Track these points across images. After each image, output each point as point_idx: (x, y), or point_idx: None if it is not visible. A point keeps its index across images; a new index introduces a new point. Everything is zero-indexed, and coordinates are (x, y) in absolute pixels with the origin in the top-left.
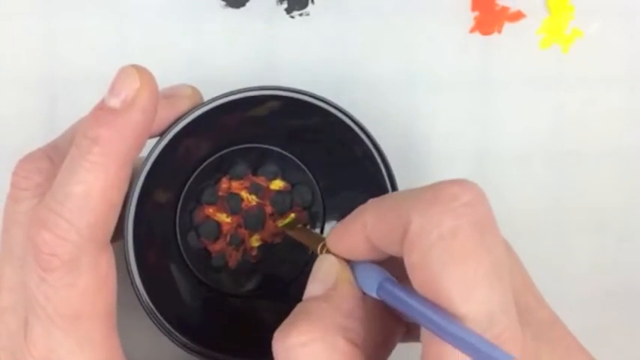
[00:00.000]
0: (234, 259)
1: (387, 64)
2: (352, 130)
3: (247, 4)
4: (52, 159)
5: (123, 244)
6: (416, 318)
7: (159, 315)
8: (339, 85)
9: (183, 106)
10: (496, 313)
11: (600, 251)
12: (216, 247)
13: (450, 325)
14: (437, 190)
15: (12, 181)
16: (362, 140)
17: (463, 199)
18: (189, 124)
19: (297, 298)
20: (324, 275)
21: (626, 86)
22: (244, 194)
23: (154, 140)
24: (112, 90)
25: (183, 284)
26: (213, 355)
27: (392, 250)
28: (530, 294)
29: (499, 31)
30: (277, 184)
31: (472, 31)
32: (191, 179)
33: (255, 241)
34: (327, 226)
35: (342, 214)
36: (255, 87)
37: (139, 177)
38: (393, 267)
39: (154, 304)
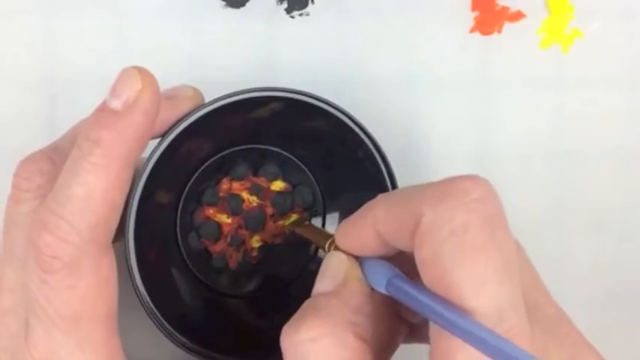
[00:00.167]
0: (234, 259)
1: (387, 64)
2: (352, 130)
3: (247, 4)
4: (54, 160)
5: (124, 245)
6: (425, 313)
7: (159, 315)
8: (339, 85)
9: (185, 107)
10: (506, 308)
11: (600, 251)
12: (216, 247)
13: (460, 319)
14: (449, 185)
15: (13, 182)
16: (362, 140)
17: (474, 195)
18: (190, 125)
19: (298, 298)
20: (334, 272)
21: (626, 86)
22: (245, 195)
23: (156, 141)
24: (114, 91)
25: (184, 285)
26: (213, 356)
27: (402, 244)
28: (538, 291)
29: (499, 31)
30: (278, 185)
31: (472, 31)
32: (192, 180)
33: (255, 242)
34: (328, 227)
35: (342, 214)
36: (256, 88)
37: (140, 178)
38: (401, 263)
39: (154, 304)
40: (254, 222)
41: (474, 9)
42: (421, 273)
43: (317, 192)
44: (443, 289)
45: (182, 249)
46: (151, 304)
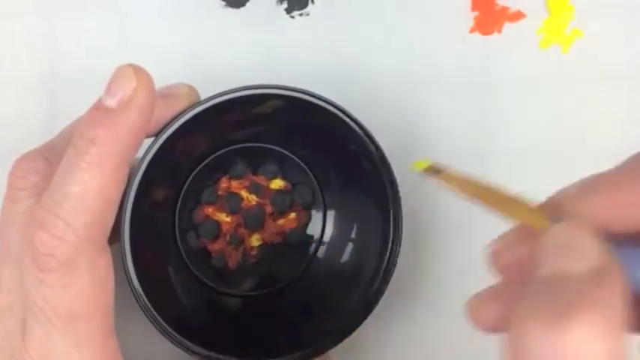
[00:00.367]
0: (233, 258)
1: (387, 63)
2: (352, 129)
3: (247, 4)
4: (49, 159)
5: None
6: None
7: (157, 315)
8: (339, 85)
9: (180, 105)
10: None
11: None
12: (215, 246)
13: None
14: None
15: (9, 181)
16: (362, 140)
17: None
18: (186, 123)
19: (297, 298)
20: (589, 250)
21: (626, 86)
22: (244, 194)
23: (151, 140)
24: (109, 90)
25: (182, 284)
26: (211, 355)
27: None
28: None
29: (499, 31)
30: (277, 184)
31: (472, 31)
32: (190, 178)
33: (255, 241)
34: (328, 227)
35: (342, 214)
36: (252, 85)
37: (135, 176)
38: None
39: (152, 304)
40: (253, 221)
41: (474, 9)
42: None
43: (316, 190)
44: None
45: (181, 248)
46: (149, 304)
